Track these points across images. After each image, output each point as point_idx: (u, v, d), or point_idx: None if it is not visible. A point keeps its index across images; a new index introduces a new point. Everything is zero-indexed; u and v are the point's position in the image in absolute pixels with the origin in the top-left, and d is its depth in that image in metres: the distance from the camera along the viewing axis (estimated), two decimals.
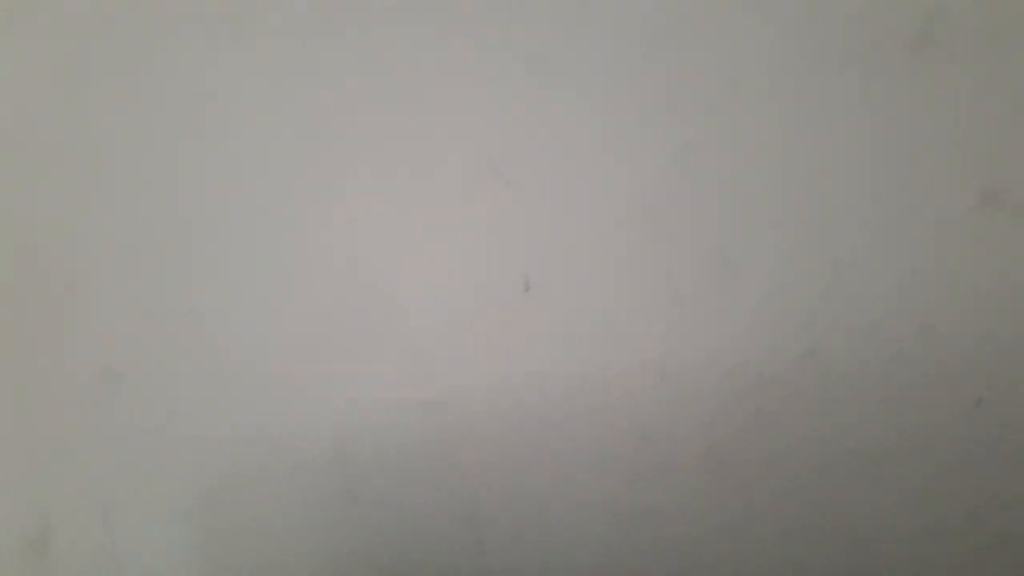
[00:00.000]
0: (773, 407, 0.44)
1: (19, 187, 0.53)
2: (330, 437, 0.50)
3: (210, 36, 0.49)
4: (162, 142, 0.50)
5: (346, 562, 0.51)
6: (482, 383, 0.47)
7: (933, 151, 0.42)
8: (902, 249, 0.43)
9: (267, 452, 0.51)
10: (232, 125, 0.49)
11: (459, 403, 0.47)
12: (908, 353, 0.43)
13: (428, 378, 0.48)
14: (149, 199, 0.51)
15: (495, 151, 0.46)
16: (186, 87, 0.50)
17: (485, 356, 0.47)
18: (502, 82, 0.45)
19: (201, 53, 0.49)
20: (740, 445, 0.44)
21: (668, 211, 0.44)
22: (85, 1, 0.51)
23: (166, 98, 0.50)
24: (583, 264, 0.45)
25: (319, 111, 0.48)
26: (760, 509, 0.45)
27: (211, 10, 0.49)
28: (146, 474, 0.53)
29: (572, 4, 0.44)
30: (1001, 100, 0.41)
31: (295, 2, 0.48)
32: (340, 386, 0.49)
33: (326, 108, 0.48)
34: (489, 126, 0.46)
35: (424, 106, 0.46)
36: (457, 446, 0.48)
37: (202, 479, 0.53)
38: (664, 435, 0.45)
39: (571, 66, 0.44)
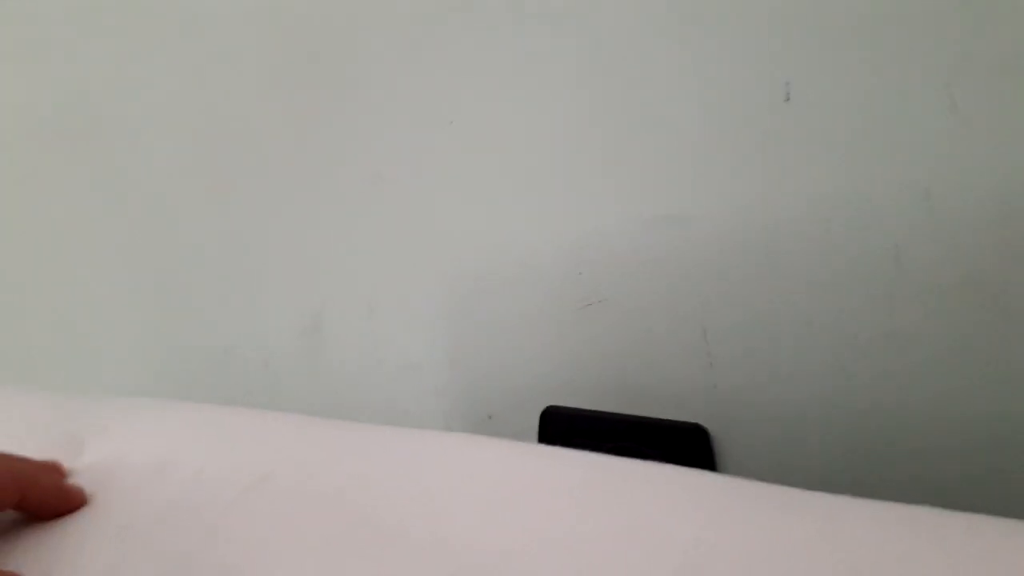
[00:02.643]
0: None
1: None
2: (572, 246, 0.52)
3: None
4: None
5: (580, 364, 0.55)
6: (730, 198, 0.47)
7: None
8: None
9: (514, 258, 0.55)
10: None
11: (704, 219, 0.48)
12: None
13: (675, 192, 0.49)
14: (425, 9, 0.54)
15: None
16: None
17: (738, 170, 0.46)
18: None
19: None
20: (1006, 273, 0.42)
21: (946, 13, 0.40)
22: None
23: None
24: (849, 71, 0.43)
25: None
26: (1021, 340, 0.42)
27: None
28: (406, 273, 0.59)
29: None
30: None
31: None
32: (585, 198, 0.52)
33: None
34: None
35: None
36: (696, 260, 0.49)
37: (455, 281, 0.58)
38: (922, 259, 0.43)
39: None
